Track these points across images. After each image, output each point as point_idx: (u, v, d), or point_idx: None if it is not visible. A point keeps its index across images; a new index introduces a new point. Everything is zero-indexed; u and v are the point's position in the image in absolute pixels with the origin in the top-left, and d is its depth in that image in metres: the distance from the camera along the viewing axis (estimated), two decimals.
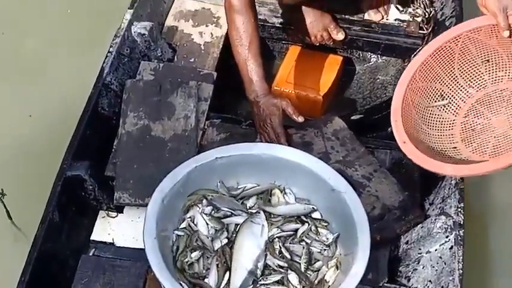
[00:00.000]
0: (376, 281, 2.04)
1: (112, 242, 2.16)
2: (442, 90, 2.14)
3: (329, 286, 1.94)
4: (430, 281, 2.00)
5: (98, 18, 3.21)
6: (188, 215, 2.06)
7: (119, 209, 2.22)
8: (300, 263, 1.98)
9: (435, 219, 2.08)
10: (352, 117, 2.60)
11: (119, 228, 2.18)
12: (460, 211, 2.07)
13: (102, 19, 3.15)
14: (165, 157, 2.25)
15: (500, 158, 1.95)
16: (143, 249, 1.91)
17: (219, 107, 2.48)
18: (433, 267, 2.02)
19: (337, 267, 1.97)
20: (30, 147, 2.84)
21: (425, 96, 2.14)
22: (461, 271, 1.94)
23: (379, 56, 2.82)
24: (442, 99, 2.15)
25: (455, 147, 2.10)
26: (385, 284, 2.05)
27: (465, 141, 2.11)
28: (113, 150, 2.30)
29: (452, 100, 2.15)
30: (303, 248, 2.01)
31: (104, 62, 2.42)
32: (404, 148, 2.02)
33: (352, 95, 2.82)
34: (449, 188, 2.14)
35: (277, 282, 1.95)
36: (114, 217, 2.21)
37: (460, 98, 2.15)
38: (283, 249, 1.99)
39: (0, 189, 2.51)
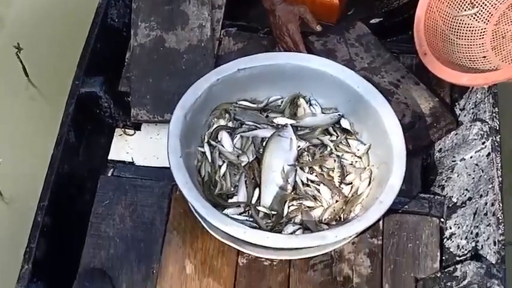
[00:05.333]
0: (409, 192, 1.98)
1: (131, 161, 2.06)
2: None
3: (363, 199, 1.88)
4: (466, 189, 1.93)
5: None
6: (211, 130, 1.96)
7: (136, 126, 2.12)
8: (332, 177, 1.91)
9: (470, 126, 2.00)
10: (371, 21, 2.46)
11: (138, 147, 2.09)
12: (495, 116, 1.98)
13: None
14: (182, 69, 2.13)
15: None
16: (165, 168, 1.82)
17: (232, 14, 2.33)
18: (469, 175, 1.94)
19: (370, 180, 1.90)
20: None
21: (453, 5, 2.07)
22: (500, 179, 1.87)
23: None
24: (472, 7, 2.07)
25: (485, 57, 2.05)
26: (419, 194, 1.98)
27: (495, 49, 2.05)
28: (126, 63, 2.17)
29: (483, 7, 2.07)
30: (335, 161, 1.92)
31: None
32: (424, 59, 1.99)
33: None
34: (482, 93, 2.05)
35: (309, 197, 1.88)
36: (131, 135, 2.11)
37: (491, 5, 2.07)
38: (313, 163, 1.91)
39: (16, 43, 2.42)
